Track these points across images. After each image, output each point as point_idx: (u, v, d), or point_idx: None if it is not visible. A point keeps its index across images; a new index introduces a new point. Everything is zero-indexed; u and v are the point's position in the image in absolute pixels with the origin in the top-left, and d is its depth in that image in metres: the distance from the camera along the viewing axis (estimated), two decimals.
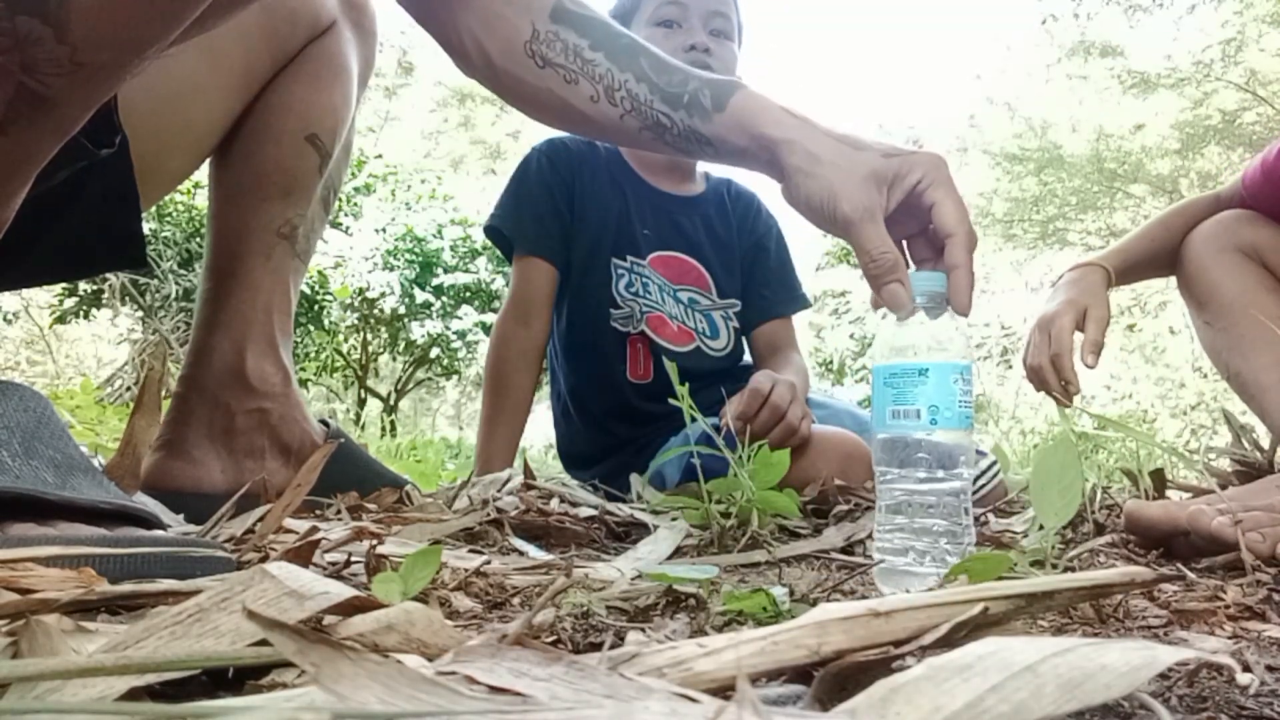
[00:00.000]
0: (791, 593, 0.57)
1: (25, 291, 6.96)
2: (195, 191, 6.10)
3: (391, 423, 7.42)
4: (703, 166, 1.58)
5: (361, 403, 7.96)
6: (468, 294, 7.45)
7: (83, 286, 6.29)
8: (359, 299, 7.32)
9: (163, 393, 0.91)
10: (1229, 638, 0.48)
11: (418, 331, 7.49)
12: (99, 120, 0.59)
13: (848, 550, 0.79)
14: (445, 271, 7.45)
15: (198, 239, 5.94)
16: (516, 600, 0.55)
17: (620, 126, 0.83)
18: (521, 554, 0.74)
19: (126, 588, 0.43)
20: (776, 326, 1.55)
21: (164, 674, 0.30)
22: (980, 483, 1.19)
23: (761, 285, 1.56)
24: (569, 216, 1.46)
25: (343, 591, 0.36)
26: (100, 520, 0.54)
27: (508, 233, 1.47)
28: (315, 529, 0.68)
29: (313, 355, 7.41)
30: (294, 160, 1.00)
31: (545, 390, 1.77)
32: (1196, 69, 8.99)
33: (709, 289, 1.50)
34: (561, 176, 1.47)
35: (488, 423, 1.42)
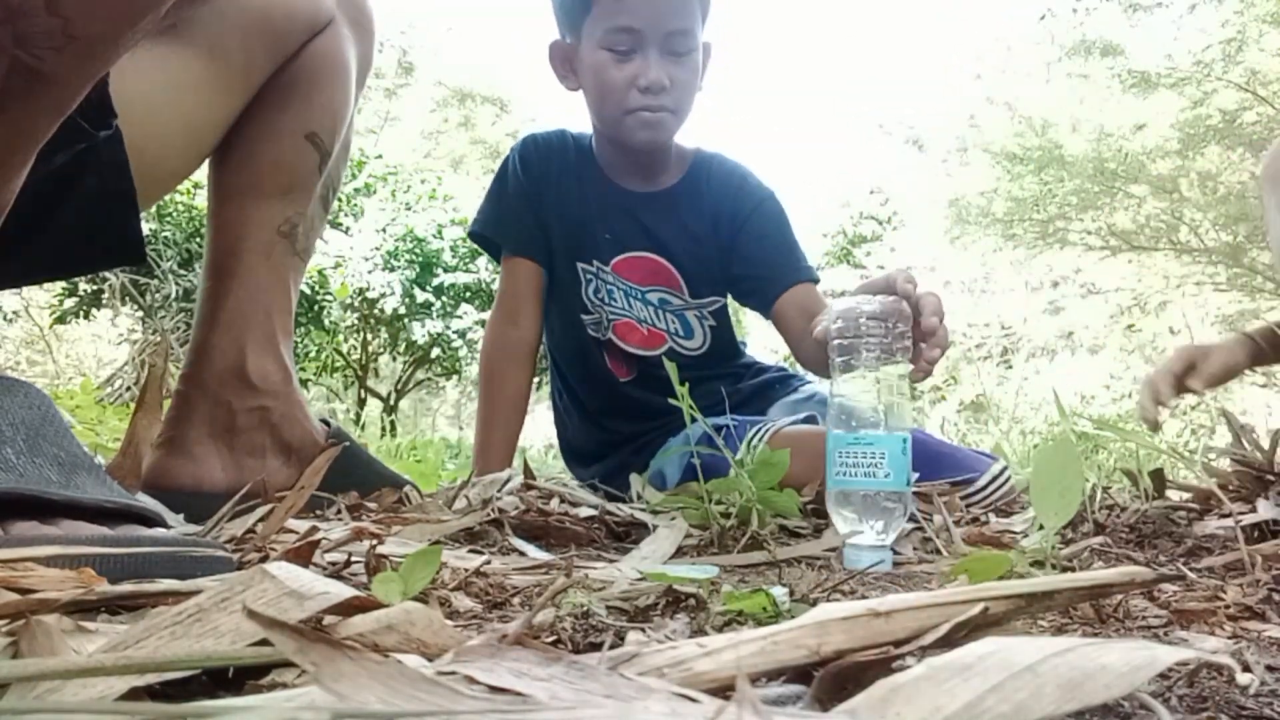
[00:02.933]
0: (791, 593, 0.57)
1: (25, 291, 6.95)
2: (195, 191, 6.10)
3: (391, 423, 7.42)
4: (692, 144, 1.48)
5: (361, 403, 7.97)
6: (468, 294, 7.45)
7: (83, 286, 6.29)
8: (359, 299, 7.32)
9: (164, 392, 0.91)
10: (1229, 638, 0.48)
11: (419, 332, 7.49)
12: (95, 102, 0.59)
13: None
14: (445, 271, 7.45)
15: (198, 239, 5.93)
16: (516, 600, 0.55)
17: None
18: (521, 554, 0.74)
19: (126, 588, 0.43)
20: (800, 295, 1.39)
21: (164, 674, 0.30)
22: (991, 488, 1.19)
23: (762, 254, 1.43)
24: (544, 215, 1.44)
25: (343, 591, 0.36)
26: (104, 519, 0.55)
27: (491, 236, 1.47)
28: (315, 529, 0.68)
29: (313, 355, 7.41)
30: (293, 158, 1.00)
31: (546, 390, 1.77)
32: (1197, 68, 8.99)
33: (679, 288, 1.44)
34: (533, 176, 1.44)
35: (483, 424, 1.42)
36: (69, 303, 6.42)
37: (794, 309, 1.37)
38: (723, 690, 0.28)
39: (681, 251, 1.44)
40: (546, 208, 1.44)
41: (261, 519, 0.72)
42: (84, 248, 0.91)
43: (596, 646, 0.43)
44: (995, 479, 1.20)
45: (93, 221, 0.88)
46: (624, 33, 1.30)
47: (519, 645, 0.32)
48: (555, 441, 1.63)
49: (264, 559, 0.61)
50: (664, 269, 1.44)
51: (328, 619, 0.36)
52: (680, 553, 0.79)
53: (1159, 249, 9.81)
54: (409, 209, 7.77)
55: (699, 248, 1.44)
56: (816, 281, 1.43)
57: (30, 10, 0.42)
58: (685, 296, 1.44)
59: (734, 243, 1.44)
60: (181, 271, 5.99)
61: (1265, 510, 0.78)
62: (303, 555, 0.59)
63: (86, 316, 6.62)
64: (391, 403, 8.08)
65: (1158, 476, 0.99)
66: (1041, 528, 0.61)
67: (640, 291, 1.43)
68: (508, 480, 1.11)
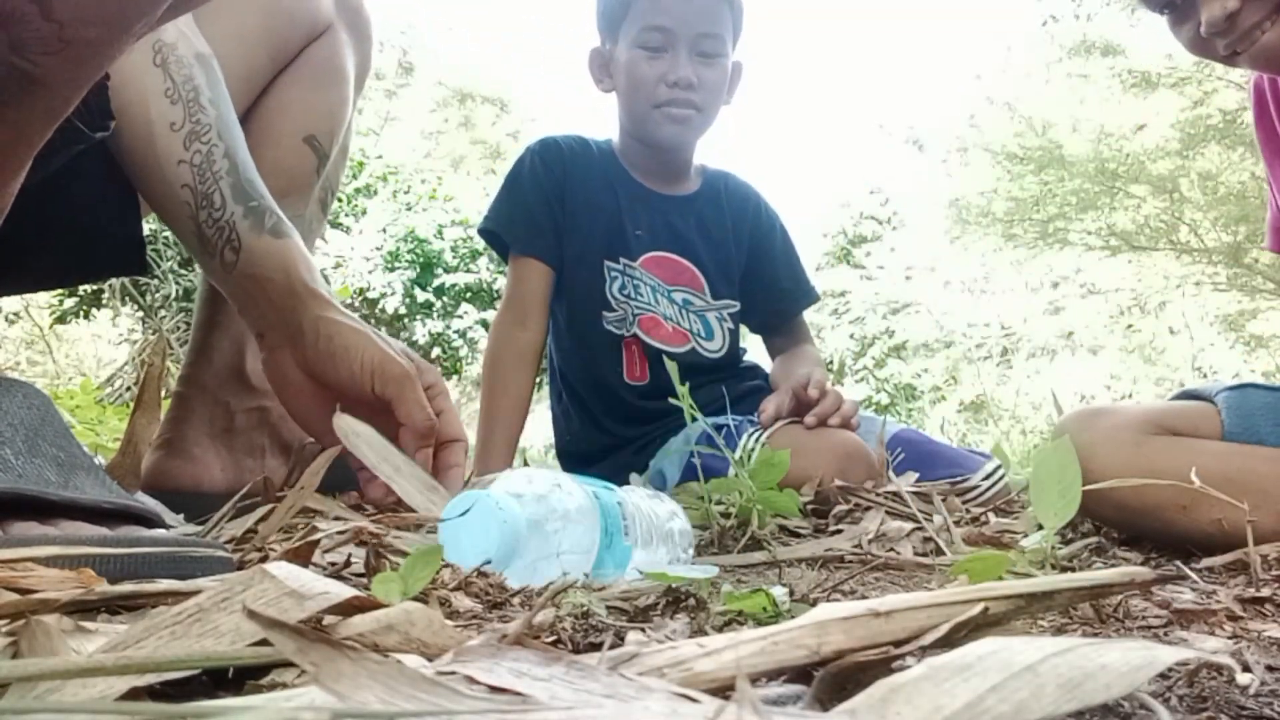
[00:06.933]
0: (791, 593, 0.57)
1: None
2: None
3: None
4: (699, 160, 1.56)
5: None
6: (469, 294, 7.45)
7: (83, 287, 6.28)
8: (360, 299, 7.32)
9: (163, 392, 0.91)
10: (1229, 638, 0.48)
11: (420, 332, 7.49)
12: (92, 103, 0.59)
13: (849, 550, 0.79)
14: (446, 271, 7.45)
15: None
16: (516, 600, 0.55)
17: (169, 169, 0.80)
18: None
19: (126, 588, 0.43)
20: (793, 324, 1.59)
21: (164, 674, 0.30)
22: (984, 485, 1.19)
23: (772, 284, 1.56)
24: (561, 216, 1.45)
25: (343, 591, 0.36)
26: (103, 519, 0.54)
27: (502, 233, 1.47)
28: (315, 529, 0.68)
29: None
30: (292, 161, 1.01)
31: (545, 390, 1.78)
32: (1197, 68, 8.98)
33: (702, 290, 1.49)
34: (554, 176, 1.46)
35: (486, 423, 1.42)
36: (69, 303, 6.42)
37: (781, 338, 1.59)
38: (723, 690, 0.28)
39: (705, 254, 1.50)
40: (570, 207, 1.46)
41: (261, 519, 0.72)
42: (87, 257, 0.91)
43: (596, 646, 0.43)
44: (989, 477, 1.21)
45: (97, 230, 0.88)
46: (656, 31, 1.38)
47: (519, 645, 0.32)
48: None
49: (264, 559, 0.61)
50: (688, 270, 1.49)
51: (328, 619, 0.36)
52: None
53: (1159, 249, 9.80)
54: (409, 209, 7.76)
55: (719, 252, 1.52)
56: (816, 299, 1.64)
57: (25, 16, 0.42)
58: (707, 298, 1.49)
59: (750, 259, 1.55)
60: (181, 271, 5.98)
61: None
62: (303, 555, 0.59)
63: (86, 316, 6.62)
64: None
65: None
66: (1041, 528, 0.61)
67: (667, 290, 1.47)
68: None
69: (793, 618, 0.33)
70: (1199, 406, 0.90)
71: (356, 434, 0.77)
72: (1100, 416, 0.88)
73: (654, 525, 0.69)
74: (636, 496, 0.70)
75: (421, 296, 7.46)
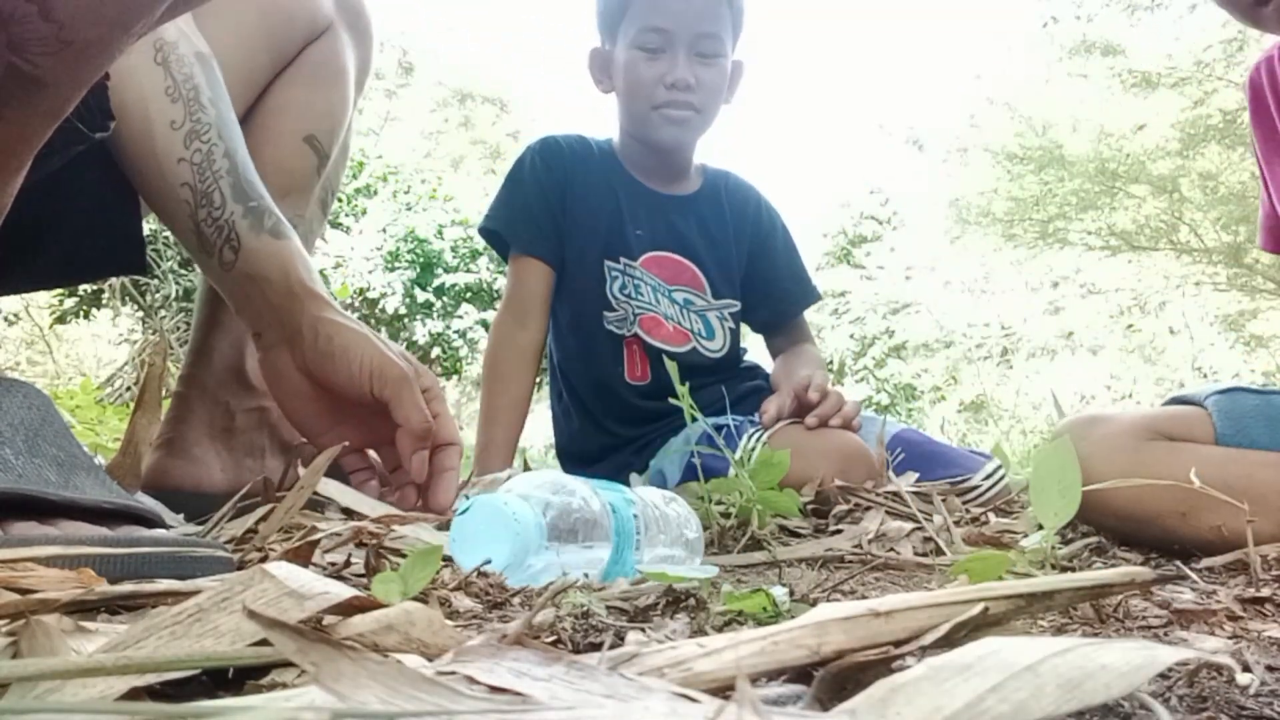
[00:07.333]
0: (791, 593, 0.57)
1: None
2: None
3: None
4: (699, 159, 1.57)
5: None
6: (469, 294, 7.46)
7: (83, 287, 6.28)
8: (360, 299, 7.32)
9: (163, 392, 0.91)
10: (1229, 638, 0.48)
11: (420, 332, 7.49)
12: (92, 104, 0.59)
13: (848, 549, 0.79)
14: (446, 271, 7.45)
15: None
16: (516, 600, 0.55)
17: (169, 168, 0.80)
18: None
19: (126, 588, 0.43)
20: (794, 323, 1.59)
21: (164, 674, 0.30)
22: (984, 486, 1.19)
23: (773, 284, 1.56)
24: (562, 215, 1.45)
25: (343, 591, 0.36)
26: (103, 519, 0.55)
27: (503, 232, 1.47)
28: (315, 529, 0.68)
29: None
30: (292, 161, 1.01)
31: (545, 389, 1.77)
32: (1197, 68, 8.97)
33: (703, 289, 1.49)
34: (555, 176, 1.46)
35: (485, 423, 1.42)
36: (69, 303, 6.42)
37: (781, 338, 1.58)
38: (723, 690, 0.28)
39: (705, 253, 1.50)
40: (571, 206, 1.46)
41: (262, 519, 0.72)
42: (88, 256, 0.91)
43: (596, 646, 0.43)
44: (989, 477, 1.21)
45: (97, 229, 0.88)
46: (655, 32, 1.37)
47: (519, 645, 0.32)
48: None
49: (264, 559, 0.61)
50: (688, 269, 1.49)
51: (328, 619, 0.36)
52: None
53: (1159, 249, 9.80)
54: (409, 209, 7.76)
55: (720, 251, 1.51)
56: (818, 298, 1.63)
57: (24, 17, 0.42)
58: (708, 298, 1.49)
59: (752, 259, 1.55)
60: (181, 271, 5.98)
61: None
62: (303, 555, 0.59)
63: (86, 316, 6.62)
64: None
65: None
66: (1041, 528, 0.61)
67: (668, 289, 1.47)
68: (507, 480, 1.11)
69: (793, 618, 0.33)
70: (1191, 411, 0.90)
71: (324, 484, 0.77)
72: (1096, 424, 0.88)
73: (668, 537, 0.69)
74: (653, 511, 0.70)
75: (421, 296, 7.46)
